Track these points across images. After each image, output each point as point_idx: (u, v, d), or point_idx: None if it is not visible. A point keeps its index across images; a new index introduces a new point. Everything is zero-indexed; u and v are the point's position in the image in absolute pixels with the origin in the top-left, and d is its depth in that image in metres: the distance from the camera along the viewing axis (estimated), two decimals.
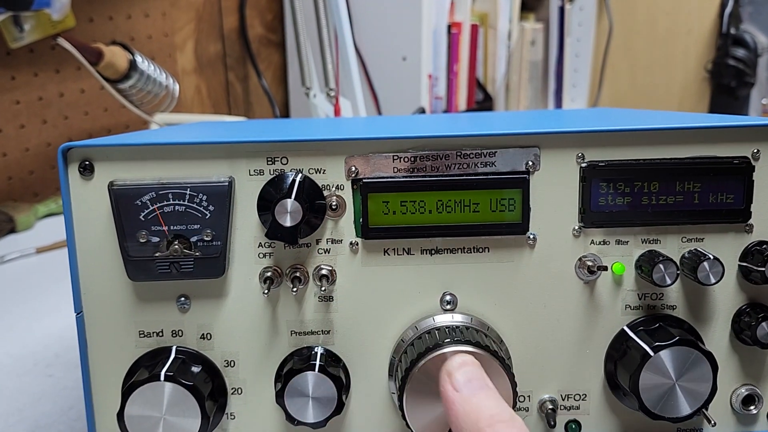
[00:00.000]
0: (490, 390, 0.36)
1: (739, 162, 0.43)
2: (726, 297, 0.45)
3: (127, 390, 0.41)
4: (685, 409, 0.42)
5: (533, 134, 0.43)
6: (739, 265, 0.44)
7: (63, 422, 0.58)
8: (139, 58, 1.09)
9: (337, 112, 1.29)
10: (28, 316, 0.80)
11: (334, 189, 0.43)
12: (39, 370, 0.67)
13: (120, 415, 0.41)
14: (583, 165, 0.43)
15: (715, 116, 0.49)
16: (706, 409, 0.42)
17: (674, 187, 0.43)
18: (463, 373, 0.36)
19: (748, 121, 0.44)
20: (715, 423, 0.43)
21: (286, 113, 1.85)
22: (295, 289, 0.43)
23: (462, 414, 0.34)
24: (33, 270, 0.94)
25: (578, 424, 0.46)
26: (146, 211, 0.42)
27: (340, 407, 0.42)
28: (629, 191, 0.43)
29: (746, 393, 0.46)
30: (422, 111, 1.61)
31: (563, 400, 0.46)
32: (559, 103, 2.21)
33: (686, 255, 0.44)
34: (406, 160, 0.43)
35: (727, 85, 2.30)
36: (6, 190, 1.16)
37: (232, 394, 0.45)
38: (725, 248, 0.44)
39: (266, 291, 0.42)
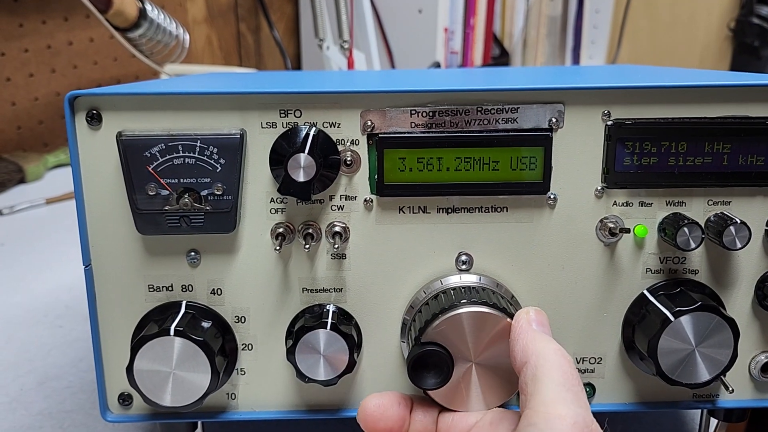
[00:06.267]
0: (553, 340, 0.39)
1: None
2: (750, 262, 0.44)
3: (137, 344, 0.40)
4: (704, 375, 0.41)
5: (558, 90, 0.41)
6: (766, 230, 0.43)
7: (73, 373, 0.58)
8: (149, 7, 1.07)
9: (350, 64, 1.26)
10: (38, 267, 0.80)
11: (348, 144, 0.42)
12: (49, 321, 0.67)
13: (129, 369, 0.40)
14: (609, 123, 0.42)
15: (748, 74, 0.47)
16: (725, 376, 0.42)
17: (703, 147, 0.42)
18: (539, 317, 0.39)
19: None
20: (732, 390, 0.43)
21: (298, 66, 1.82)
22: (307, 246, 0.42)
23: (528, 339, 0.37)
24: (43, 221, 0.94)
25: (593, 387, 0.46)
26: (155, 163, 0.41)
27: (351, 365, 0.42)
28: (656, 151, 0.42)
29: (766, 360, 0.45)
30: (437, 65, 1.58)
31: (578, 363, 0.45)
32: (576, 60, 2.16)
33: (712, 218, 0.42)
34: (424, 115, 0.41)
35: (750, 44, 2.24)
36: (15, 140, 1.15)
37: (243, 349, 0.45)
38: (752, 212, 0.43)
39: (278, 247, 0.41)
